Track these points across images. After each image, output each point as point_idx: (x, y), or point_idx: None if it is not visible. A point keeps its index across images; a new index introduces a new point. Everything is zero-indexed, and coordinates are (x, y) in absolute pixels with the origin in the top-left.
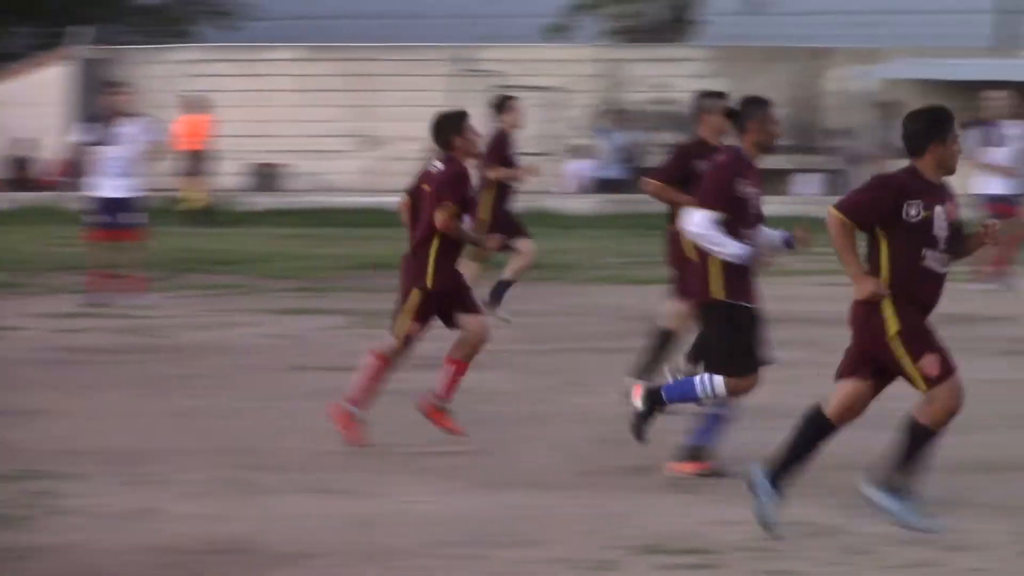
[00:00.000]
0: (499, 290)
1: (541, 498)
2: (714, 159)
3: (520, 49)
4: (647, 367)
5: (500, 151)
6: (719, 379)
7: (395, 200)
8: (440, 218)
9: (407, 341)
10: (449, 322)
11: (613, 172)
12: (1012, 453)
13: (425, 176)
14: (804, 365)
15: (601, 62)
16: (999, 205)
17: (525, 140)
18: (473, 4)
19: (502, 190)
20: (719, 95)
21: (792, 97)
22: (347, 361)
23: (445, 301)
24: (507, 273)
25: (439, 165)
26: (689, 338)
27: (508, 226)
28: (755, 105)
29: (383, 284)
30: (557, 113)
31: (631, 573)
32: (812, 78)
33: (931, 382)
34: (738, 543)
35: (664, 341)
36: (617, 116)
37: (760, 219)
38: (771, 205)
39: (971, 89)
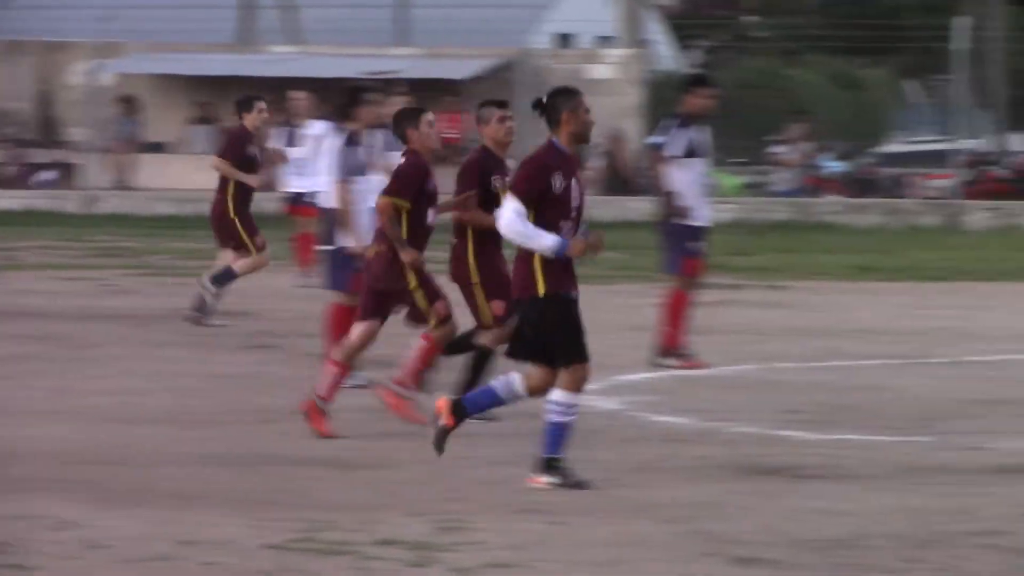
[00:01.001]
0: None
1: None
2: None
3: None
4: (466, 385)
5: (240, 149)
6: (517, 379)
7: None
8: (380, 204)
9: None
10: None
11: None
12: (251, 447)
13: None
14: (40, 359)
15: None
16: (299, 206)
17: None
18: None
19: (242, 187)
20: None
21: (33, 91)
22: None
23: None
24: (236, 268)
25: (400, 158)
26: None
27: (247, 224)
28: (565, 97)
29: None
30: None
31: None
32: (53, 72)
33: None
34: None
35: (482, 361)
36: None
37: (580, 210)
38: (9, 200)
39: (213, 83)
